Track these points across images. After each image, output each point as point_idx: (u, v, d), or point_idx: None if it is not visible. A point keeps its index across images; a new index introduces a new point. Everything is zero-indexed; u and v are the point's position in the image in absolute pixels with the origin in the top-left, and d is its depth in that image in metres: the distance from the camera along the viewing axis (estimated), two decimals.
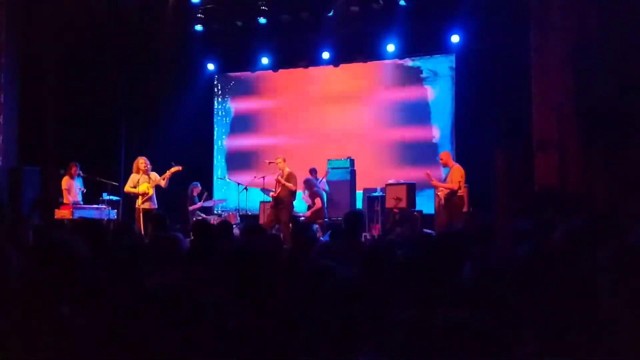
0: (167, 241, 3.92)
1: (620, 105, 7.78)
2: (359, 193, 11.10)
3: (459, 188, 8.83)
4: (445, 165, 9.15)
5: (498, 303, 2.06)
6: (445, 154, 9.24)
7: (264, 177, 10.15)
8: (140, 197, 8.75)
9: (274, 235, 7.66)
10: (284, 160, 9.39)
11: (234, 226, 9.92)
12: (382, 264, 3.15)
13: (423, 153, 11.15)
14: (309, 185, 9.89)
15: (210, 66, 12.76)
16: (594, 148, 8.05)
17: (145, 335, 1.37)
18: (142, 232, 8.03)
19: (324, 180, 10.64)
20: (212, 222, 8.68)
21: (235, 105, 13.18)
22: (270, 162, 9.63)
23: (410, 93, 11.64)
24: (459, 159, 10.93)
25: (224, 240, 4.17)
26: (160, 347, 1.35)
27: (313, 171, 10.60)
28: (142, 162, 8.87)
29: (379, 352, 1.29)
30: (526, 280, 2.13)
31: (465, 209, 8.96)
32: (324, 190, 10.59)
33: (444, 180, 9.07)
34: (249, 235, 4.48)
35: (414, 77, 11.63)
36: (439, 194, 9.03)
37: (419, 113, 11.52)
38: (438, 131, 11.33)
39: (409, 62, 11.64)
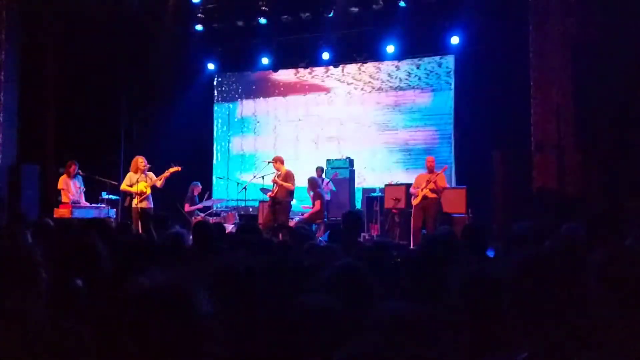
0: (171, 238, 3.95)
1: (618, 108, 7.79)
2: (358, 193, 11.12)
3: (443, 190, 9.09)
4: (431, 170, 9.17)
5: (491, 307, 2.07)
6: (433, 159, 9.33)
7: (262, 177, 10.16)
8: (137, 196, 8.74)
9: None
10: (281, 161, 9.39)
11: (233, 225, 9.95)
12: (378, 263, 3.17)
13: (422, 153, 11.15)
14: (313, 184, 9.91)
15: (211, 66, 12.78)
16: (592, 150, 8.07)
17: (139, 333, 1.37)
18: (140, 232, 8.03)
19: (331, 181, 10.65)
20: (211, 221, 8.71)
21: (235, 105, 13.19)
22: (268, 162, 9.64)
23: (409, 94, 11.65)
24: (458, 160, 10.97)
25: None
26: (152, 346, 1.36)
27: (319, 169, 10.62)
28: (141, 161, 8.86)
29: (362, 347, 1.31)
30: (519, 284, 2.14)
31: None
32: (330, 189, 10.61)
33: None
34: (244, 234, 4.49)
35: (413, 78, 11.63)
36: (424, 189, 9.01)
37: (418, 114, 11.53)
38: (437, 132, 11.33)
39: (408, 63, 11.64)
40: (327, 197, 10.34)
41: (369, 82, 12.01)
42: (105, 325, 1.47)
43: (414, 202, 9.13)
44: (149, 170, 8.93)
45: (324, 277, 2.29)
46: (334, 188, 10.70)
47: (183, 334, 1.38)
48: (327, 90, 12.34)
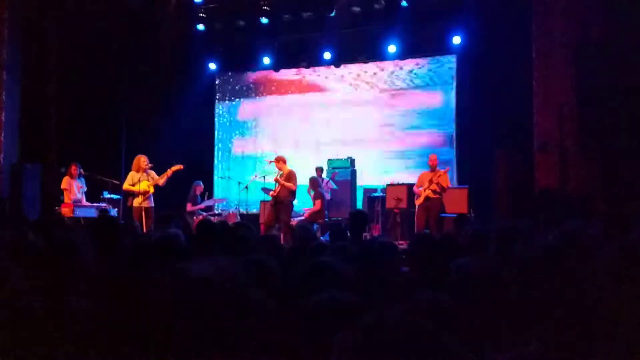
0: (169, 237, 3.93)
1: (620, 108, 7.80)
2: (360, 193, 11.11)
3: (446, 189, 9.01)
4: (434, 168, 9.14)
5: (496, 301, 2.07)
6: (436, 157, 9.30)
7: (264, 177, 10.17)
8: (140, 195, 8.75)
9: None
10: (283, 160, 9.39)
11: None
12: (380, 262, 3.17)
13: (424, 153, 11.14)
14: (314, 184, 9.92)
15: (212, 65, 12.78)
16: (594, 150, 8.07)
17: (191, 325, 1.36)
18: (144, 230, 8.04)
19: (331, 180, 10.66)
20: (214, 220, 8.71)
21: (237, 104, 13.20)
22: (270, 162, 9.64)
23: (411, 94, 11.65)
24: (460, 160, 10.97)
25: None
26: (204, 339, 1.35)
27: (319, 169, 10.62)
28: (143, 160, 8.85)
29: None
30: (526, 279, 2.14)
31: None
32: (331, 188, 10.61)
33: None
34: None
35: (414, 77, 11.63)
36: (426, 190, 8.97)
37: (419, 114, 11.53)
38: (439, 132, 11.32)
39: (410, 63, 11.64)
40: (328, 196, 10.34)
41: (371, 81, 12.01)
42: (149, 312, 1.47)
43: (417, 202, 9.12)
44: (151, 169, 8.93)
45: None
46: (334, 186, 10.70)
47: (241, 324, 1.37)
48: (328, 89, 12.33)
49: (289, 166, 9.38)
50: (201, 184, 10.96)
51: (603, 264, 2.19)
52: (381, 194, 10.28)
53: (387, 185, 10.26)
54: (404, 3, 10.48)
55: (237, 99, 13.18)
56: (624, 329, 1.88)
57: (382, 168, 11.65)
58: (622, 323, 1.90)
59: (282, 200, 9.13)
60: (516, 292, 2.06)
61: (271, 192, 9.39)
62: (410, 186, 9.64)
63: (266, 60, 12.21)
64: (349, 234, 5.54)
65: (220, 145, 13.24)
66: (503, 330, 2.06)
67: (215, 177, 12.94)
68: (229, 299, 1.42)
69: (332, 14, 11.09)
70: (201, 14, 11.56)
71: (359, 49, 11.68)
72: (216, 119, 13.28)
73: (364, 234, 9.57)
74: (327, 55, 11.75)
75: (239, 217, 10.73)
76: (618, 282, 2.09)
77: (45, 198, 10.20)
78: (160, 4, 11.62)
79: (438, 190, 8.96)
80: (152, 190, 8.78)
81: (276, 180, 9.25)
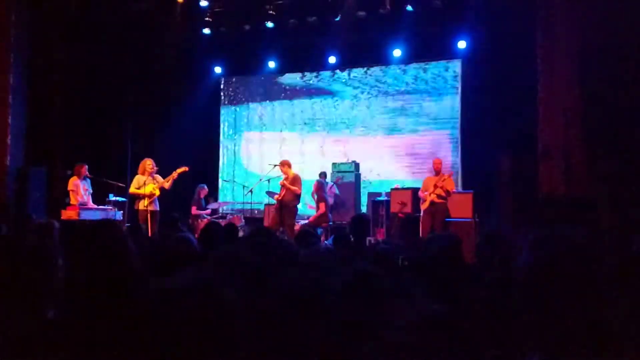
0: (179, 241, 3.94)
1: (627, 113, 7.78)
2: (364, 197, 11.12)
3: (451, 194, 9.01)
4: (438, 172, 9.14)
5: (503, 311, 2.07)
6: (440, 161, 9.31)
7: (269, 180, 10.19)
8: (146, 198, 8.77)
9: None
10: (289, 164, 9.40)
11: (239, 228, 9.96)
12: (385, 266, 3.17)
13: (428, 157, 11.13)
14: (319, 188, 9.94)
15: (217, 69, 12.84)
16: (599, 156, 8.05)
17: (165, 336, 1.37)
18: (150, 234, 8.07)
19: (334, 184, 10.67)
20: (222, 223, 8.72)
21: (241, 108, 13.22)
22: (275, 166, 9.66)
23: (416, 98, 11.64)
24: (464, 165, 10.96)
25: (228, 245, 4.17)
26: (181, 349, 1.36)
27: (323, 174, 10.63)
28: (149, 163, 8.90)
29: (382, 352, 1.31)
30: (529, 289, 2.14)
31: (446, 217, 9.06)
32: (334, 193, 10.62)
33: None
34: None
35: (419, 82, 11.62)
36: (431, 194, 8.97)
37: (424, 118, 11.52)
38: (443, 137, 11.32)
39: (415, 67, 11.63)
40: (331, 201, 10.34)
41: (375, 86, 12.01)
42: (133, 325, 1.47)
43: (423, 206, 9.12)
44: (156, 172, 8.96)
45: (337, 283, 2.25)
46: (337, 191, 10.72)
47: (216, 333, 1.38)
48: (333, 94, 12.35)
49: (294, 170, 9.40)
50: (205, 187, 10.98)
51: (607, 274, 2.19)
52: (385, 198, 10.28)
53: (392, 189, 10.26)
54: (409, 7, 10.47)
55: (242, 103, 13.21)
56: (627, 340, 1.88)
57: (386, 172, 11.65)
58: (625, 332, 1.90)
59: (286, 204, 9.15)
60: (519, 302, 2.06)
61: (276, 196, 9.41)
62: (414, 190, 9.64)
63: (271, 64, 12.25)
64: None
65: (224, 148, 13.27)
66: (506, 340, 2.06)
67: (220, 181, 12.96)
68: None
69: (337, 19, 11.09)
70: (207, 18, 11.59)
71: (364, 53, 11.70)
72: (221, 123, 13.31)
73: (368, 238, 9.58)
74: (332, 60, 11.77)
75: (243, 220, 10.75)
76: (621, 293, 2.09)
77: (51, 201, 10.23)
78: (166, 8, 11.65)
79: (443, 194, 8.96)
80: (157, 193, 8.82)
81: (281, 184, 9.27)
